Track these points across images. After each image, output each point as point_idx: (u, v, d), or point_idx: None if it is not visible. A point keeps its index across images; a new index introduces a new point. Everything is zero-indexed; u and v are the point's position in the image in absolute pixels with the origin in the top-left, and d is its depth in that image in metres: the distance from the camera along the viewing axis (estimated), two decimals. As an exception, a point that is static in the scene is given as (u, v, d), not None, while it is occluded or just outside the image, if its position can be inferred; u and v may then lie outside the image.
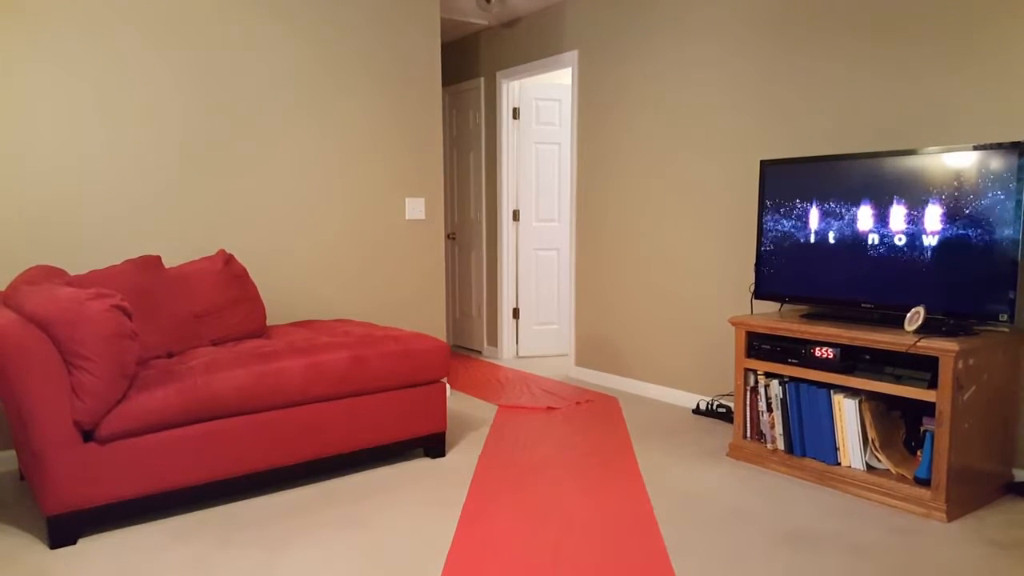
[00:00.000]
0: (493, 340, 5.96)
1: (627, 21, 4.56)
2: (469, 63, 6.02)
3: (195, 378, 2.68)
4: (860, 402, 2.93)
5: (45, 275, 2.91)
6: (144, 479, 2.60)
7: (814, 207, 3.25)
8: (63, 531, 2.50)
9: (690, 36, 4.17)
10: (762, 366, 3.26)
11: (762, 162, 3.43)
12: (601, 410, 4.25)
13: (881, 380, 2.84)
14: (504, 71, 5.60)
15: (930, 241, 2.89)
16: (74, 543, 2.53)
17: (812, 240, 3.27)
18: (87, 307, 2.43)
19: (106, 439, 2.51)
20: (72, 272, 3.39)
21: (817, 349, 3.04)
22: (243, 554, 2.44)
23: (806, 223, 3.29)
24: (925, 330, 2.80)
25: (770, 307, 3.74)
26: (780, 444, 3.22)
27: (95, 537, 2.58)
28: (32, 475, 2.53)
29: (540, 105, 5.69)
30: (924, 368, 2.73)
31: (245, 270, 3.51)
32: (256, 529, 2.64)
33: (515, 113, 5.66)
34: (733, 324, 3.37)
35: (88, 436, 2.50)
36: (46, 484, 2.44)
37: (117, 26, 3.44)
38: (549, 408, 4.29)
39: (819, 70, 3.56)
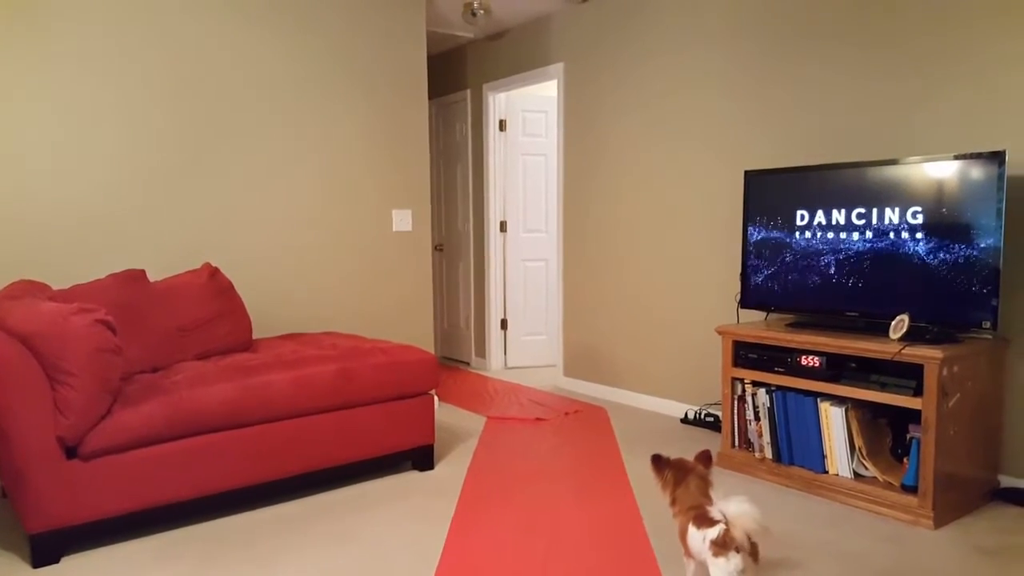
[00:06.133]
0: (481, 351, 5.95)
1: (612, 33, 4.59)
2: (456, 75, 6.04)
3: (180, 393, 2.66)
4: (847, 410, 2.95)
5: (28, 290, 2.88)
6: (129, 496, 2.57)
7: (798, 217, 3.28)
8: (46, 549, 2.46)
9: (675, 47, 4.20)
10: (749, 375, 3.28)
11: (746, 172, 3.46)
12: (590, 420, 4.25)
13: (867, 388, 2.85)
14: (490, 83, 5.63)
15: (913, 249, 2.92)
16: (57, 561, 2.49)
17: (796, 249, 3.29)
18: (70, 322, 2.41)
19: (90, 455, 2.48)
20: (55, 287, 3.36)
21: (803, 357, 3.05)
22: (230, 571, 2.42)
23: (790, 232, 3.31)
24: (910, 338, 2.82)
25: (756, 316, 3.76)
26: (768, 453, 3.23)
27: (79, 555, 2.54)
28: (14, 492, 2.49)
29: (527, 117, 5.71)
30: (909, 376, 2.74)
31: (230, 283, 3.50)
32: (243, 545, 2.61)
33: (502, 125, 5.68)
34: (720, 333, 3.38)
35: (72, 452, 2.47)
36: (29, 501, 2.40)
37: (99, 37, 3.43)
38: (538, 419, 4.29)
39: (806, 79, 3.60)
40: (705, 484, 2.20)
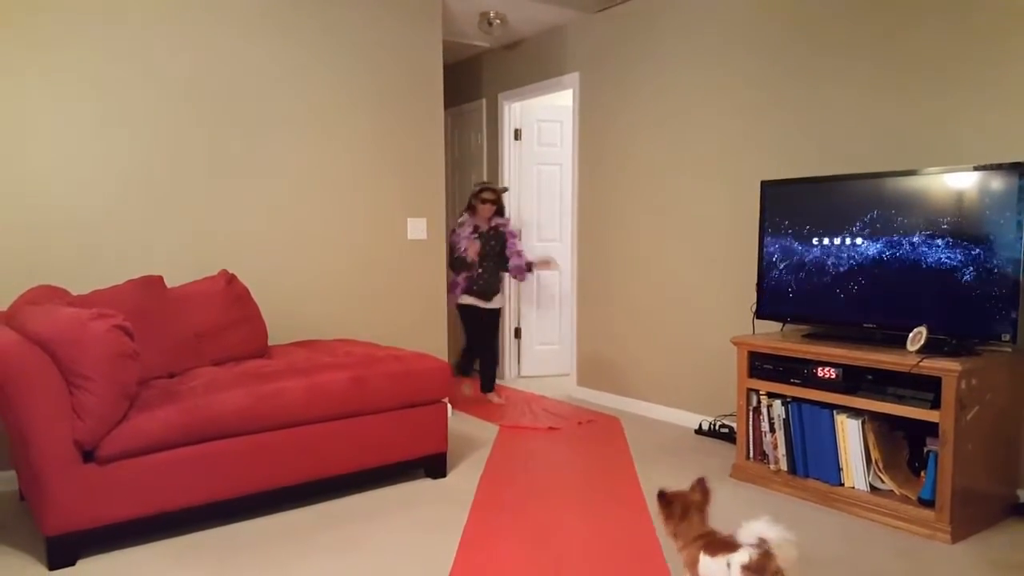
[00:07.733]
0: (495, 360, 5.94)
1: (628, 44, 4.60)
2: (471, 85, 6.07)
3: (196, 398, 2.68)
4: (863, 422, 2.92)
5: (47, 295, 2.92)
6: (144, 500, 2.59)
7: (815, 227, 3.26)
8: (62, 552, 2.49)
9: (691, 58, 4.20)
10: (764, 386, 3.25)
11: (763, 183, 3.45)
12: (603, 430, 4.23)
13: (884, 400, 2.83)
14: (506, 93, 5.64)
15: (932, 261, 2.90)
16: (73, 564, 2.51)
17: (813, 260, 3.27)
18: (89, 327, 2.43)
19: (107, 459, 2.50)
20: (74, 292, 3.40)
21: (819, 369, 3.03)
22: (242, 576, 2.43)
23: (807, 243, 3.29)
24: (927, 350, 2.79)
25: (772, 327, 3.73)
26: (783, 465, 3.20)
27: (94, 558, 2.56)
28: (32, 495, 2.52)
29: (542, 126, 5.72)
30: (927, 388, 2.71)
31: (247, 290, 3.52)
32: (256, 551, 2.62)
33: (517, 134, 5.69)
34: (735, 344, 3.36)
35: (88, 456, 2.49)
36: (46, 504, 2.43)
37: (118, 45, 3.48)
38: (551, 428, 4.28)
39: (821, 91, 3.58)
40: (704, 516, 2.11)
